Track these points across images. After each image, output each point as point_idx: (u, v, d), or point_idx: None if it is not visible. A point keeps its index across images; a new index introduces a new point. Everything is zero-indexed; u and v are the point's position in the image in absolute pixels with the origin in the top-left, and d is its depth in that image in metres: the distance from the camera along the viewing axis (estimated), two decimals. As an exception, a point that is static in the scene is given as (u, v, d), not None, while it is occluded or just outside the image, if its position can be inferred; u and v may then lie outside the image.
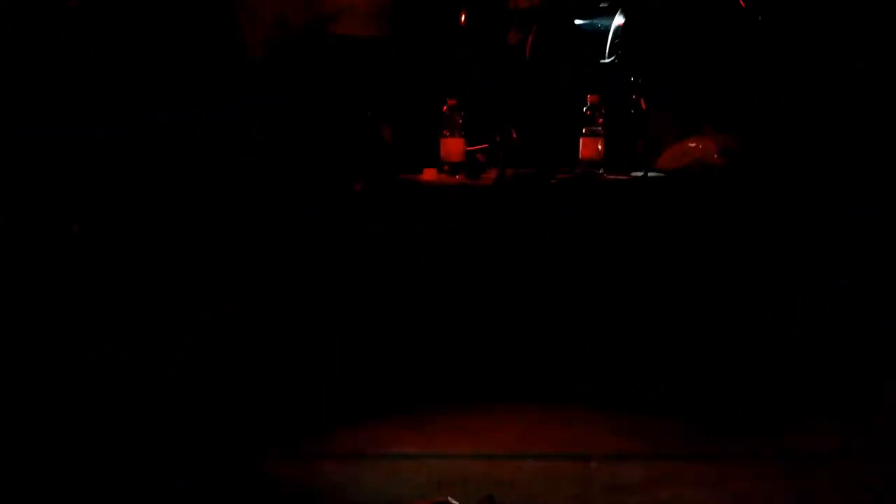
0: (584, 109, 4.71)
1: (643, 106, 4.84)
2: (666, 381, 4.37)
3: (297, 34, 6.47)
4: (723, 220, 4.47)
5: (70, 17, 4.66)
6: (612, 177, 4.70)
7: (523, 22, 5.79)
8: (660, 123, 4.90)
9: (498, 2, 5.90)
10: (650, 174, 4.66)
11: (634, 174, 4.72)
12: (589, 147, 4.69)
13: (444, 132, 4.82)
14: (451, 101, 4.85)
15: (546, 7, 5.74)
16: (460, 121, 4.82)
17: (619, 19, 5.12)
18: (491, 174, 4.77)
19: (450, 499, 3.22)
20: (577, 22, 5.39)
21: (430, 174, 4.82)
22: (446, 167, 4.81)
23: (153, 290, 4.57)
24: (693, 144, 4.72)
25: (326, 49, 6.18)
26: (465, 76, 5.39)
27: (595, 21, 5.28)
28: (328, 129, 5.29)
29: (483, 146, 4.91)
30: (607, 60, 5.07)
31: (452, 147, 4.81)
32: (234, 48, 5.96)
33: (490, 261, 4.60)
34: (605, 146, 4.70)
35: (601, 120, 4.69)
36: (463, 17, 5.63)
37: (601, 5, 5.27)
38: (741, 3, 5.11)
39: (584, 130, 4.71)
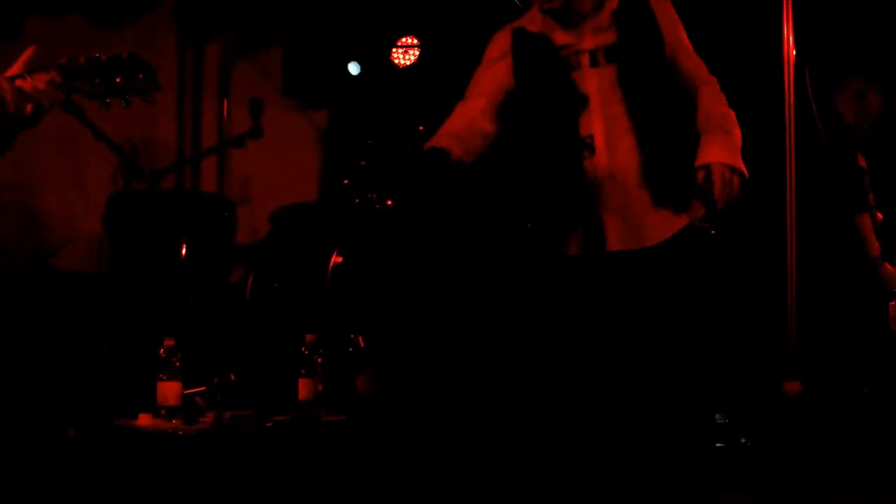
0: (302, 349, 4.70)
1: (361, 343, 4.88)
2: None
3: (18, 265, 6.31)
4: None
5: None
6: (331, 418, 4.68)
7: (246, 260, 5.81)
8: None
9: (220, 237, 5.91)
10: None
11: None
12: (306, 388, 4.66)
13: (161, 375, 4.70)
14: (169, 342, 4.75)
15: (269, 245, 5.79)
16: (178, 363, 4.72)
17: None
18: (209, 418, 4.67)
19: None
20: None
21: (145, 419, 4.68)
22: (163, 411, 4.67)
23: None
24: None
25: (48, 282, 6.03)
26: (184, 315, 5.33)
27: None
28: (44, 372, 5.11)
29: (201, 389, 4.82)
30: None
31: (169, 390, 4.68)
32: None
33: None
34: (324, 386, 4.69)
35: (319, 360, 4.69)
36: (183, 251, 5.58)
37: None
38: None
39: (301, 371, 4.69)
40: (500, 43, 3.83)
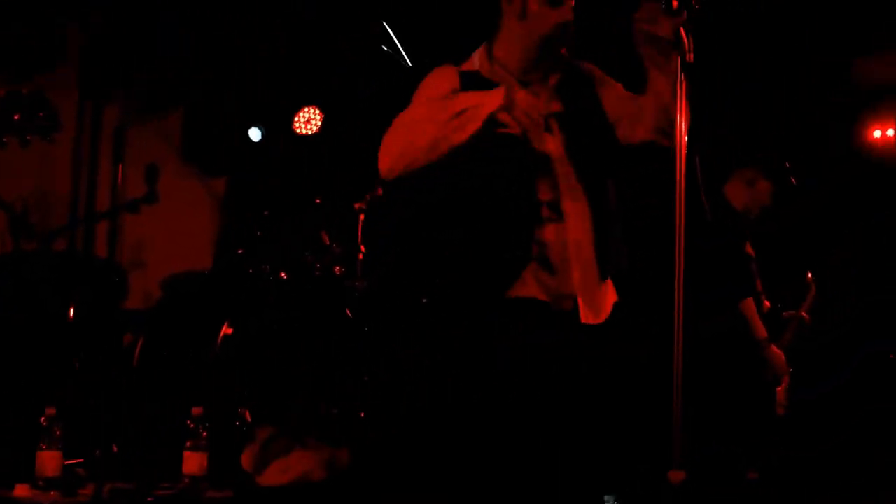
0: (188, 422, 4.61)
1: (248, 418, 4.82)
2: None
3: None
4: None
5: None
6: (216, 493, 4.58)
7: (137, 327, 5.70)
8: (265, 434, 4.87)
9: (110, 302, 5.81)
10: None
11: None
12: (191, 461, 4.57)
13: (41, 444, 4.57)
14: (50, 411, 4.62)
15: (160, 312, 5.69)
16: (59, 432, 4.58)
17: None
18: (89, 490, 4.55)
19: None
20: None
21: (22, 490, 4.54)
22: (41, 482, 4.53)
23: None
24: (296, 460, 4.70)
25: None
26: (69, 380, 5.21)
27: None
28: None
29: (81, 460, 4.70)
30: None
31: (48, 461, 4.55)
32: None
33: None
34: (210, 460, 4.60)
35: (205, 433, 4.60)
36: (71, 313, 5.46)
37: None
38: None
39: (187, 444, 4.59)
40: (445, 82, 3.45)
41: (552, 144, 3.42)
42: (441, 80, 3.47)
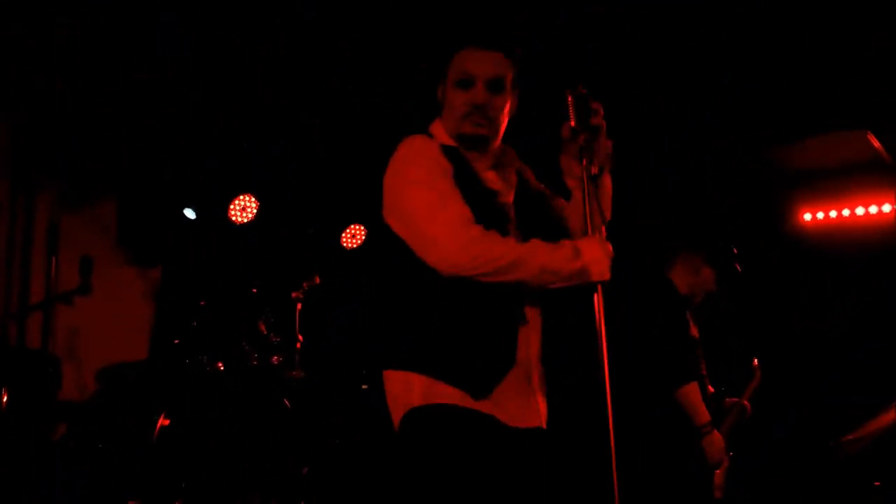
0: (125, 516, 4.54)
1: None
2: None
3: None
4: None
5: None
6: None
7: (71, 418, 5.62)
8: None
9: (43, 393, 5.72)
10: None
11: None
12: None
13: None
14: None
15: (95, 403, 5.61)
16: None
17: None
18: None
19: None
20: None
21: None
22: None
23: None
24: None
25: None
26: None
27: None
28: None
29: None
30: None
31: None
32: None
33: None
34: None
35: (142, 528, 4.53)
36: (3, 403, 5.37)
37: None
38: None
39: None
40: (439, 156, 3.19)
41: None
42: (433, 151, 3.20)
